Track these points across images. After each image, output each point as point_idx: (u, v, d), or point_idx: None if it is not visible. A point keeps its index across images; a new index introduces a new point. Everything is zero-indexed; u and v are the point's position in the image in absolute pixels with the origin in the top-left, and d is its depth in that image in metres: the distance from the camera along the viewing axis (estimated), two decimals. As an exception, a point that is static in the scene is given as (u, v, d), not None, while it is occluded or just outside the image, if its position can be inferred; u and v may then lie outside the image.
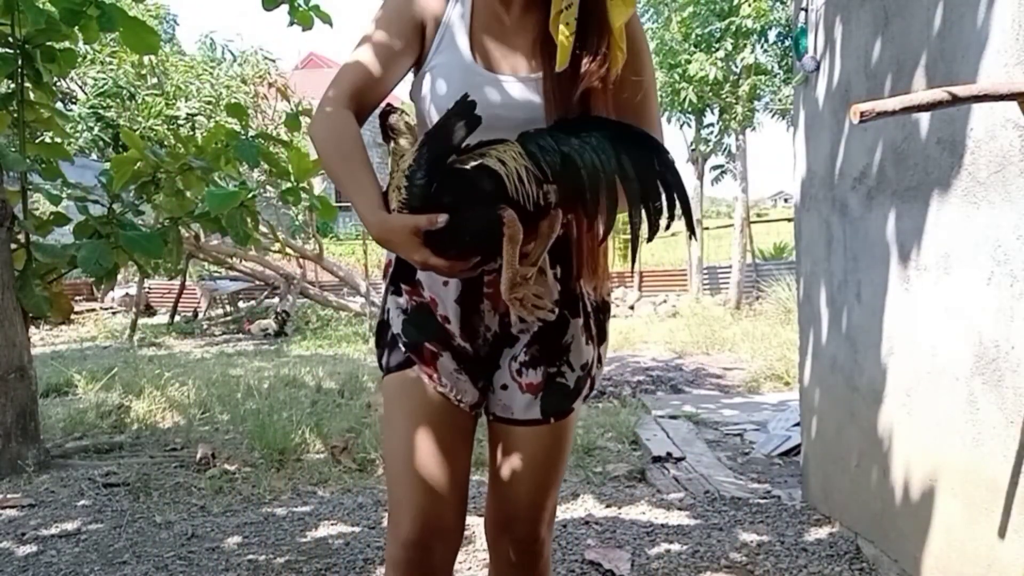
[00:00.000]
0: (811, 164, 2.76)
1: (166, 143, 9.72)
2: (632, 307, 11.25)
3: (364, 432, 3.96)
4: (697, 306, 10.74)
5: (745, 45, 9.94)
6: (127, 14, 3.47)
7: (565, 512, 2.87)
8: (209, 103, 12.45)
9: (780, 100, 10.78)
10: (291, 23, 3.86)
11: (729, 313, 10.04)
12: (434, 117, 1.21)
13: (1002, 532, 1.72)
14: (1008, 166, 1.66)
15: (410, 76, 1.29)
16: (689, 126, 11.49)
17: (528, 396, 1.29)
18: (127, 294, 11.82)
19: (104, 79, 12.76)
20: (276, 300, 10.34)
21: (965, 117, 1.79)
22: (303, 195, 3.97)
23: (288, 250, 9.75)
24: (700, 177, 12.01)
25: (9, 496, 3.10)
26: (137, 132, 8.56)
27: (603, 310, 1.34)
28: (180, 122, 12.06)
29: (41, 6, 3.37)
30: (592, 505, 2.97)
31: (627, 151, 1.03)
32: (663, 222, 1.06)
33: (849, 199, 2.43)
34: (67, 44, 3.74)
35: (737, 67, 10.25)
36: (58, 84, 11.75)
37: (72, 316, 9.85)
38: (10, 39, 3.34)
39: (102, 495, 3.14)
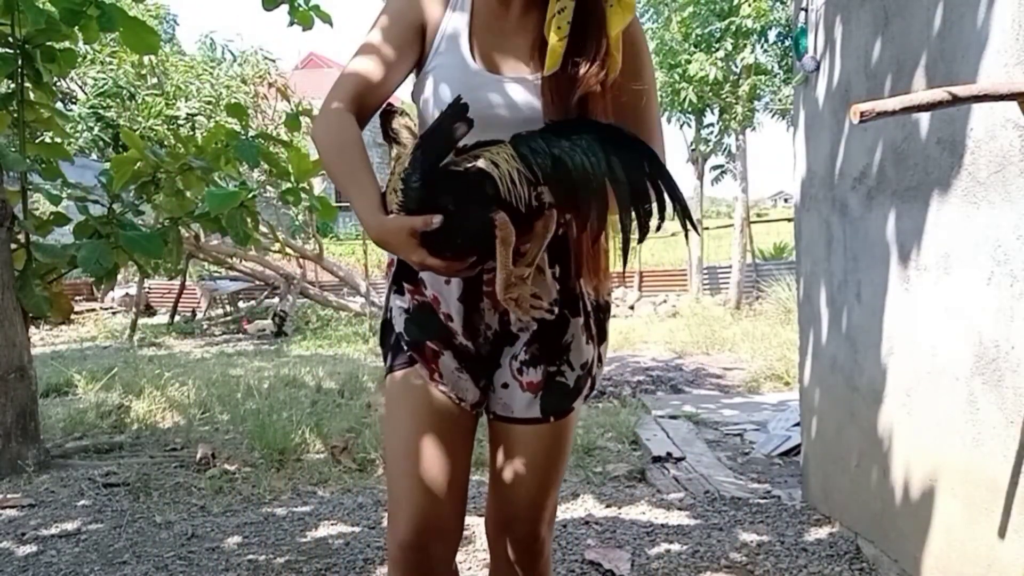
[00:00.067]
0: (811, 164, 2.76)
1: (166, 143, 9.73)
2: (632, 307, 11.26)
3: (364, 432, 3.96)
4: (697, 306, 10.74)
5: (745, 45, 9.95)
6: (127, 14, 3.47)
7: (565, 512, 2.87)
8: (209, 103, 12.46)
9: (780, 100, 10.79)
10: (291, 23, 3.87)
11: (729, 313, 10.04)
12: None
13: (1002, 532, 1.72)
14: (1008, 166, 1.66)
15: (412, 77, 1.29)
16: (689, 126, 11.51)
17: (528, 395, 1.29)
18: (127, 294, 11.82)
19: (104, 79, 12.77)
20: (276, 300, 10.34)
21: (965, 117, 1.79)
22: (303, 195, 3.97)
23: (288, 250, 9.75)
24: (700, 177, 12.01)
25: (9, 496, 3.10)
26: (137, 132, 8.56)
27: (603, 309, 1.34)
28: (180, 122, 12.07)
29: (41, 6, 3.38)
30: (592, 505, 2.97)
31: (617, 153, 1.04)
32: (653, 224, 1.07)
33: (849, 199, 2.43)
34: (67, 44, 3.74)
35: (737, 67, 10.25)
36: (58, 84, 11.75)
37: (72, 316, 9.85)
38: (10, 39, 3.34)
39: (102, 495, 3.14)
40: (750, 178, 11.39)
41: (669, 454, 3.66)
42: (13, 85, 3.49)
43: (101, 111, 12.88)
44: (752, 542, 2.54)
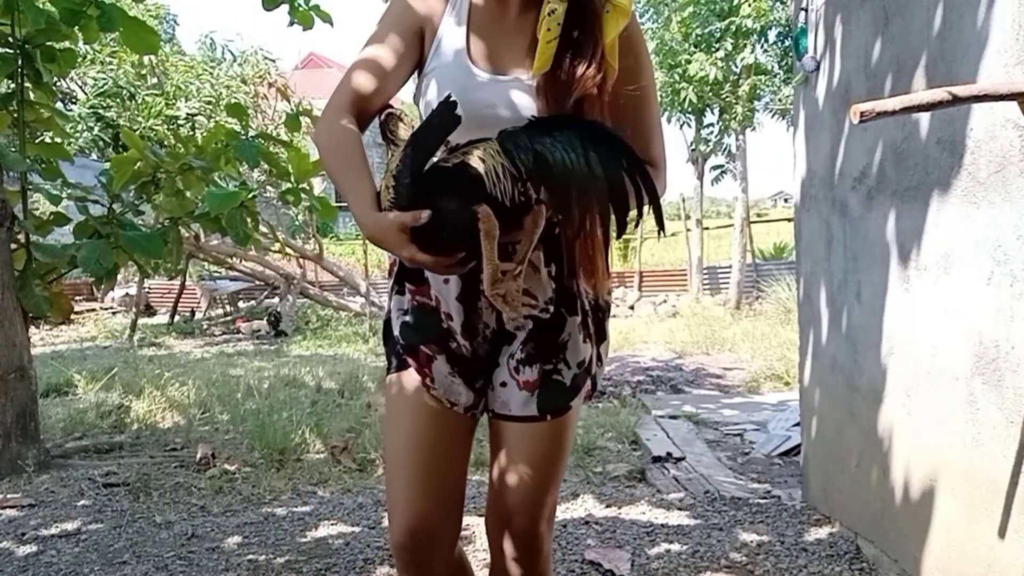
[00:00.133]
0: (811, 164, 2.76)
1: (166, 143, 9.72)
2: (632, 307, 11.26)
3: (364, 432, 3.96)
4: (697, 306, 10.74)
5: (745, 45, 9.95)
6: (127, 14, 3.47)
7: (565, 512, 2.87)
8: (209, 103, 12.45)
9: (780, 100, 10.79)
10: (291, 23, 3.87)
11: (729, 313, 10.05)
12: None
13: (1002, 532, 1.72)
14: (1008, 166, 1.66)
15: (414, 79, 1.30)
16: (689, 126, 11.52)
17: (525, 393, 1.30)
18: (127, 294, 11.83)
19: (104, 79, 12.76)
20: (276, 300, 10.35)
21: (965, 117, 1.79)
22: (303, 195, 3.97)
23: (288, 250, 9.75)
24: (700, 177, 12.02)
25: (9, 496, 3.10)
26: (137, 132, 8.56)
27: (602, 309, 1.34)
28: (180, 122, 12.06)
29: (41, 6, 3.37)
30: (592, 505, 2.97)
31: (595, 149, 1.05)
32: (631, 219, 1.08)
33: (849, 199, 2.43)
34: (67, 44, 3.74)
35: (737, 67, 10.26)
36: (58, 84, 11.75)
37: (72, 316, 9.85)
38: (10, 39, 3.34)
39: (102, 495, 3.14)
40: (750, 178, 11.41)
41: (669, 454, 3.66)
42: (13, 85, 3.49)
43: (101, 111, 12.88)
44: (752, 542, 2.54)
